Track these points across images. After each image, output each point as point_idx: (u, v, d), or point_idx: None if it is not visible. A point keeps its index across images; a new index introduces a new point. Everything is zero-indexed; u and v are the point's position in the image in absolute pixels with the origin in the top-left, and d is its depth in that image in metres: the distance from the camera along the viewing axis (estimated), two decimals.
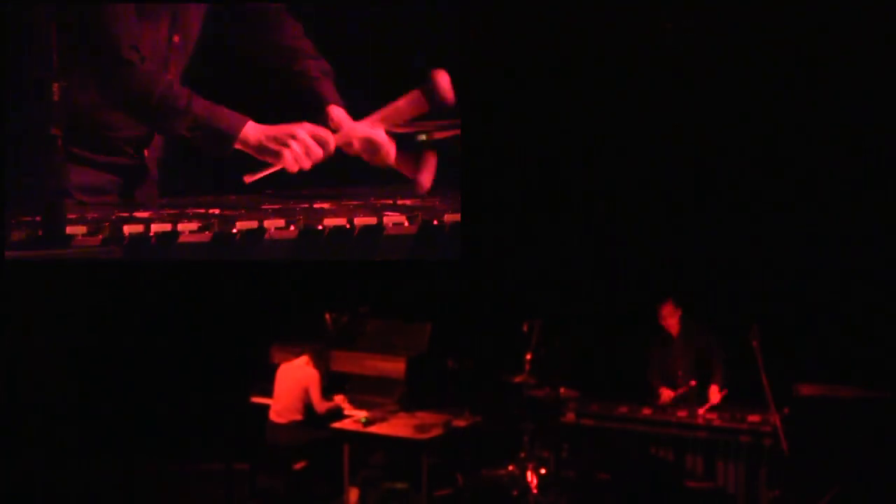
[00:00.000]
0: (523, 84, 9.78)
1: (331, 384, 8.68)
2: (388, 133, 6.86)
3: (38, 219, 6.25)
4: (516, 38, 9.40)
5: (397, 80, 7.02)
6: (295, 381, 8.42)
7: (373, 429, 8.24)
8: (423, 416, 8.46)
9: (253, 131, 6.70)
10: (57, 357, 9.69)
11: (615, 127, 9.74)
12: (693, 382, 8.53)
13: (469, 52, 8.29)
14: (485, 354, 9.12)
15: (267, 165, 6.70)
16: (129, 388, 9.76)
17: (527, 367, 8.51)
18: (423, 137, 6.86)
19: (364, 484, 8.45)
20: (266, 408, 8.58)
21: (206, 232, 6.43)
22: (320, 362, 8.49)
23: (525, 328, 8.56)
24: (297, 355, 8.58)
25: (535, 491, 8.39)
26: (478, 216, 7.95)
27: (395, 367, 8.90)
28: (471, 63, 8.19)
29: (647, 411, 8.36)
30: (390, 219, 6.66)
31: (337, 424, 8.35)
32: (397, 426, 8.29)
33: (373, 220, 6.63)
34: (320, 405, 8.38)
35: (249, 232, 6.49)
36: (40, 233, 6.21)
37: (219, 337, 9.84)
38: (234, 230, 6.46)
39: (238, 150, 6.73)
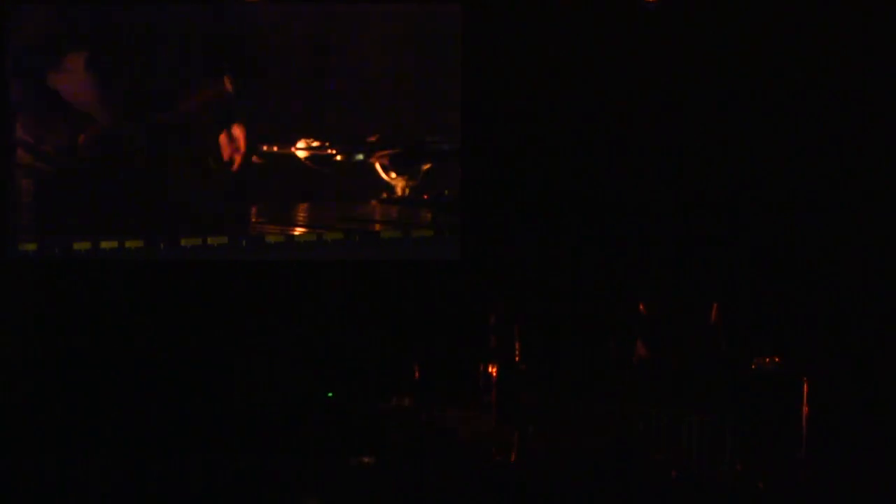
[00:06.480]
0: (522, 86, 9.81)
1: None
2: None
3: None
4: (515, 40, 9.44)
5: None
6: None
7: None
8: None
9: None
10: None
11: (613, 129, 9.78)
12: None
13: (469, 54, 8.35)
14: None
15: None
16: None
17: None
18: None
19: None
20: None
21: None
22: None
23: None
24: None
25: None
26: (478, 217, 8.00)
27: None
28: (470, 66, 8.24)
29: None
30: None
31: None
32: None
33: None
34: None
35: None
36: None
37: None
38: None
39: None
